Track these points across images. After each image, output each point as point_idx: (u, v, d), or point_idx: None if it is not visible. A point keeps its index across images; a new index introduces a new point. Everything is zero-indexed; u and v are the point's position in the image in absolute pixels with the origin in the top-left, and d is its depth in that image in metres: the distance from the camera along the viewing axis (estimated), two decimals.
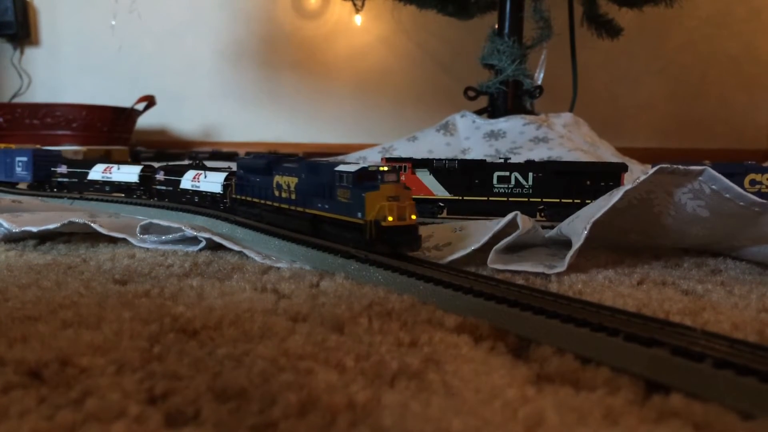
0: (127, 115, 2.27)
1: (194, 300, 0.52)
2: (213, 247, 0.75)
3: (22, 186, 1.34)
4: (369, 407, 0.32)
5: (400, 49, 2.60)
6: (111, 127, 2.21)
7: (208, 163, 1.19)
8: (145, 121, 2.39)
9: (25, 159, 1.29)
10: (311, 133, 2.62)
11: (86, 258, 0.70)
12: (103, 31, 2.56)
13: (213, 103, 2.63)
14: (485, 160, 1.01)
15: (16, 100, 2.57)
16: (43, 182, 1.26)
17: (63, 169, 1.21)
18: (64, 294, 0.52)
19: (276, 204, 0.78)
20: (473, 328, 0.45)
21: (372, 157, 1.68)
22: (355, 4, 2.06)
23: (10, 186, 1.35)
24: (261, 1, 2.60)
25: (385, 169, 0.61)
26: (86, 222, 0.78)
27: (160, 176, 1.08)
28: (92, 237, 0.81)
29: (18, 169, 1.31)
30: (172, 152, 2.30)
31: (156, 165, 1.15)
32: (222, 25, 2.60)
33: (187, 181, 1.01)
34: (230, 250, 0.72)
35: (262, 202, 0.82)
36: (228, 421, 0.30)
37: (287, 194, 0.76)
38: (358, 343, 0.41)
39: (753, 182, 0.95)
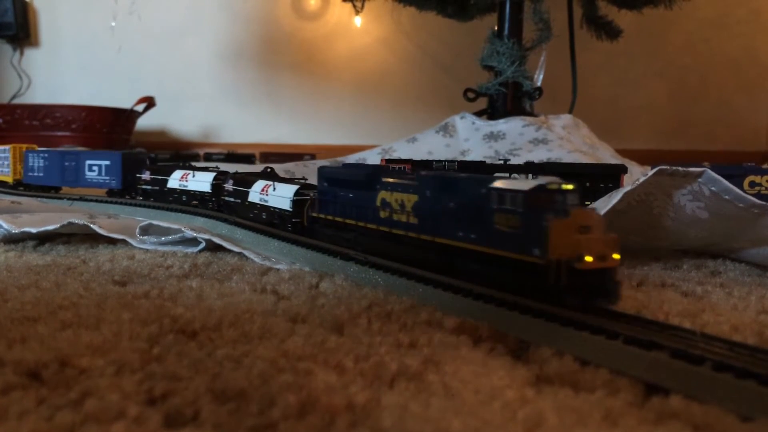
0: (127, 116, 2.28)
1: (194, 301, 0.52)
2: (212, 248, 0.75)
3: (99, 193, 1.16)
4: (368, 408, 0.32)
5: (400, 51, 2.60)
6: (111, 129, 2.21)
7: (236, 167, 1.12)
8: (144, 122, 2.40)
9: (108, 163, 1.12)
10: (311, 134, 2.62)
11: (86, 259, 0.70)
12: (103, 33, 2.56)
13: (212, 104, 2.63)
14: (485, 161, 1.01)
15: (16, 101, 2.57)
16: (128, 190, 1.12)
17: (147, 175, 1.05)
18: (63, 295, 0.52)
19: (383, 228, 0.61)
20: (473, 329, 0.45)
21: (372, 159, 1.68)
22: (354, 6, 2.06)
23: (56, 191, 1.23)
24: (261, 3, 2.60)
25: (570, 187, 0.45)
26: (86, 223, 0.78)
27: (229, 186, 0.93)
28: (91, 238, 0.81)
29: (91, 174, 1.14)
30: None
31: (220, 169, 1.02)
32: (222, 27, 2.60)
33: (255, 194, 0.85)
34: (230, 251, 0.72)
35: (360, 224, 0.64)
36: (227, 422, 0.30)
37: (401, 216, 0.58)
38: (357, 344, 0.41)
39: (752, 184, 0.95)
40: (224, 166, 1.12)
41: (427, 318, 0.47)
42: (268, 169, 1.00)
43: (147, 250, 0.75)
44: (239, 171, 0.97)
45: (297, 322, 0.47)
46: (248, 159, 2.17)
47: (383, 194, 0.61)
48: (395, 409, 0.32)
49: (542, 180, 0.46)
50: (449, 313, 0.48)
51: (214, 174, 0.94)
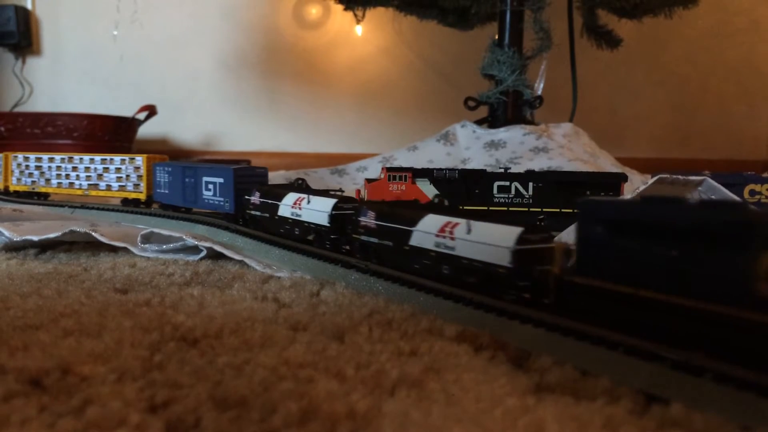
0: (129, 124, 2.28)
1: (195, 309, 0.52)
2: (213, 256, 0.75)
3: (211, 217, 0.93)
4: (369, 416, 0.32)
5: (401, 59, 2.61)
6: (112, 137, 2.21)
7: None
8: (146, 131, 2.40)
9: (221, 180, 0.89)
10: (312, 142, 2.62)
11: (87, 267, 0.70)
12: (105, 41, 2.57)
13: (214, 113, 2.63)
14: (485, 169, 1.01)
15: (18, 109, 2.57)
16: (240, 214, 0.88)
17: (256, 197, 0.82)
18: (65, 303, 0.52)
19: None
20: (473, 337, 0.45)
21: (372, 167, 1.68)
22: (355, 15, 2.06)
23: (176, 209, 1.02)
24: (263, 12, 2.61)
25: None
26: (87, 231, 0.78)
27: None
28: (93, 246, 0.81)
29: (207, 194, 0.92)
30: None
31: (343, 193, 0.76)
32: (223, 36, 2.61)
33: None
34: (231, 259, 0.73)
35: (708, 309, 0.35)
36: (228, 430, 0.30)
37: None
38: (358, 352, 0.42)
39: (752, 192, 0.95)
40: None
41: (428, 326, 0.47)
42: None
43: (148, 258, 0.75)
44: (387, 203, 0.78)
45: (298, 329, 0.47)
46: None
47: None
48: (396, 417, 0.32)
49: None
50: (450, 322, 0.48)
51: (333, 201, 0.69)
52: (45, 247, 0.81)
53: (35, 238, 0.78)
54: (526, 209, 0.95)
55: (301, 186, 0.88)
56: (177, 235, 0.76)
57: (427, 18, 2.01)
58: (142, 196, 1.07)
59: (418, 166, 1.23)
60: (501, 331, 0.45)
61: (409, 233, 0.57)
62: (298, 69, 2.64)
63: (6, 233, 0.78)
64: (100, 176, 1.12)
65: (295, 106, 2.64)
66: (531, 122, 1.69)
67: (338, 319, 0.49)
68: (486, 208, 0.97)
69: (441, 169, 1.00)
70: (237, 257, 0.71)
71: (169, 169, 1.00)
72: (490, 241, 0.49)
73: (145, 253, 0.76)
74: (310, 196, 0.71)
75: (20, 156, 1.24)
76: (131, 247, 0.77)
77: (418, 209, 0.59)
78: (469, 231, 0.51)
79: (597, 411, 0.33)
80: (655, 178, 0.63)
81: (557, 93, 1.87)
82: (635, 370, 0.36)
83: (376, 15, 2.27)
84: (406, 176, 1.00)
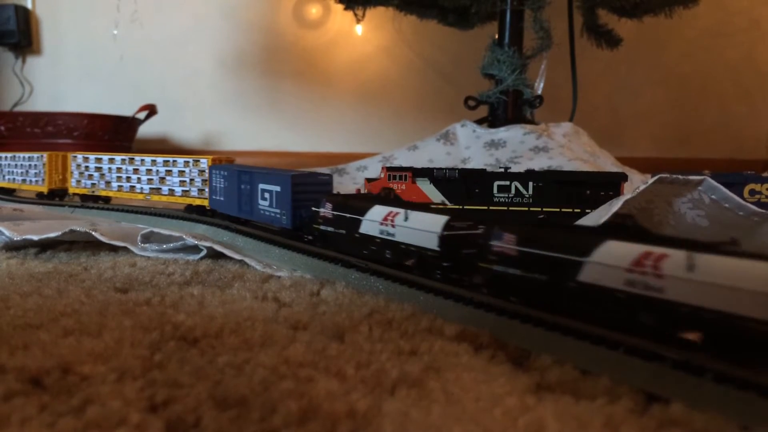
0: (129, 124, 2.28)
1: (195, 308, 0.52)
2: (214, 255, 0.75)
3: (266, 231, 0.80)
4: (369, 415, 0.32)
5: (401, 59, 2.61)
6: (112, 136, 2.21)
7: None
8: (146, 130, 2.40)
9: (278, 189, 0.76)
10: (312, 141, 2.62)
11: (87, 266, 0.70)
12: (105, 40, 2.57)
13: (214, 112, 2.63)
14: (485, 169, 1.01)
15: (18, 109, 2.57)
16: (302, 229, 0.75)
17: (327, 209, 0.68)
18: (65, 302, 0.52)
19: None
20: (473, 337, 0.45)
21: (372, 166, 1.68)
22: (355, 14, 2.06)
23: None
24: (263, 11, 2.61)
25: None
26: (87, 231, 0.78)
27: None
28: (93, 245, 0.81)
29: (263, 204, 0.79)
30: None
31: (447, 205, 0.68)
32: (223, 35, 2.60)
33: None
34: (231, 258, 0.73)
35: None
36: (229, 429, 0.30)
37: None
38: (358, 351, 0.42)
39: (752, 192, 0.95)
40: None
41: (428, 325, 0.47)
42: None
43: (148, 257, 0.75)
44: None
45: (298, 329, 0.47)
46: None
47: None
48: (396, 416, 0.32)
49: None
50: (450, 321, 0.48)
51: (444, 219, 0.54)
52: (45, 246, 0.81)
53: (35, 238, 0.78)
54: (526, 208, 0.95)
55: (388, 197, 0.75)
56: (177, 234, 0.76)
57: (427, 17, 2.01)
58: (207, 203, 0.94)
59: (418, 165, 1.23)
60: (501, 330, 0.45)
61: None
62: (298, 68, 2.64)
63: (6, 233, 0.78)
64: (162, 180, 0.99)
65: (295, 105, 2.64)
66: (531, 122, 1.69)
67: (338, 318, 0.49)
68: (486, 207, 0.97)
69: (441, 169, 1.00)
70: (237, 257, 0.71)
71: (225, 172, 0.88)
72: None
73: (145, 253, 0.76)
74: (408, 211, 0.58)
75: (80, 156, 1.13)
76: (131, 246, 0.77)
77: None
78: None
79: (597, 410, 0.33)
80: (655, 178, 0.63)
81: (557, 92, 1.87)
82: (635, 370, 0.36)
83: (376, 14, 2.27)
84: (406, 176, 1.00)
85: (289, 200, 0.74)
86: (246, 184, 0.83)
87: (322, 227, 0.69)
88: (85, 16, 2.62)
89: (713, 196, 0.63)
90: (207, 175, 0.93)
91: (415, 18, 2.05)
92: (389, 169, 1.03)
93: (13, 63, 2.63)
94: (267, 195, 0.78)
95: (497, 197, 0.97)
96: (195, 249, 0.75)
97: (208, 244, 0.74)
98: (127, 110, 2.27)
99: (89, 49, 2.63)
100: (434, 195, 0.99)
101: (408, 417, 0.32)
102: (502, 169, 1.00)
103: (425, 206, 0.61)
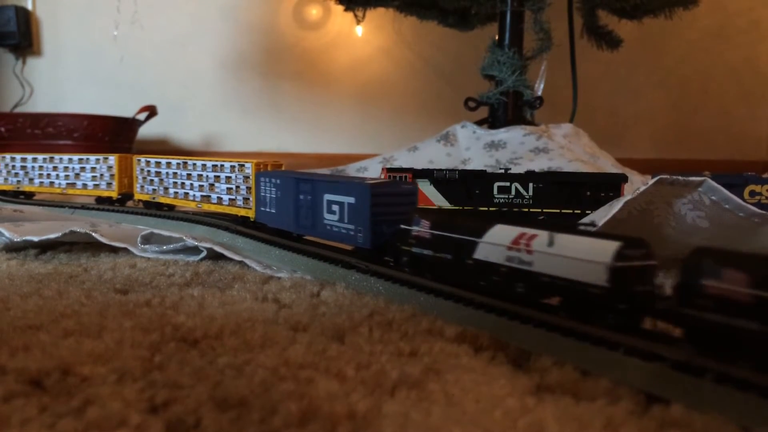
0: (129, 125, 2.28)
1: (195, 309, 0.52)
2: (214, 256, 0.75)
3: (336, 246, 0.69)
4: (369, 416, 0.32)
5: (401, 60, 2.61)
6: (112, 137, 2.21)
7: None
8: (146, 131, 2.40)
9: (351, 200, 0.63)
10: (312, 142, 2.62)
11: (87, 267, 0.70)
12: (105, 42, 2.57)
13: (214, 113, 2.63)
14: (486, 170, 1.01)
15: (18, 110, 2.58)
16: (385, 251, 0.60)
17: (422, 228, 0.55)
18: (65, 303, 0.52)
19: None
20: (473, 338, 0.45)
21: (373, 168, 1.68)
22: (356, 15, 2.06)
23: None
24: (263, 13, 2.61)
25: None
26: (88, 232, 0.78)
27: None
28: (93, 246, 0.81)
29: (330, 217, 0.66)
30: None
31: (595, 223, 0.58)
32: (224, 36, 2.61)
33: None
34: (231, 259, 0.73)
35: None
36: (229, 431, 0.30)
37: None
38: (358, 352, 0.42)
39: (752, 193, 0.95)
40: None
41: (428, 327, 0.47)
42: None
43: (148, 258, 0.75)
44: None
45: (298, 330, 0.47)
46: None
47: None
48: (396, 418, 0.32)
49: None
50: (450, 322, 0.48)
51: (615, 245, 0.40)
52: (45, 247, 0.81)
53: (35, 239, 0.78)
54: (526, 209, 0.95)
55: (516, 214, 0.59)
56: (177, 235, 0.76)
57: (427, 19, 2.01)
58: (252, 214, 0.82)
59: (418, 166, 1.23)
60: (501, 331, 0.45)
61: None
62: (299, 70, 2.64)
63: (6, 234, 0.78)
64: (212, 186, 0.89)
65: (296, 106, 2.64)
66: (531, 123, 1.69)
67: (338, 319, 0.49)
68: (486, 208, 0.97)
69: (441, 170, 1.00)
70: (237, 258, 0.71)
71: (277, 180, 0.76)
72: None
73: (146, 254, 0.76)
74: (554, 234, 0.44)
75: (143, 159, 1.04)
76: (131, 247, 0.77)
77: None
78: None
79: (597, 411, 0.33)
80: (655, 179, 0.63)
81: (557, 93, 1.87)
82: (635, 371, 0.36)
83: (377, 16, 2.27)
84: (406, 177, 1.00)
85: (367, 215, 0.60)
86: (306, 195, 0.70)
87: (415, 249, 0.56)
88: (85, 17, 2.62)
89: (713, 198, 0.63)
90: (252, 180, 0.82)
91: (415, 19, 2.05)
92: (389, 170, 1.03)
93: (13, 64, 2.64)
94: (336, 208, 0.65)
95: (497, 198, 0.97)
96: (195, 250, 0.75)
97: (208, 245, 0.74)
98: (127, 111, 2.27)
99: (89, 51, 2.63)
100: (434, 196, 0.99)
101: (408, 418, 0.32)
102: (503, 170, 1.00)
103: (571, 227, 0.47)
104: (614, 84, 2.56)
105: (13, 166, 1.25)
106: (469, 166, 1.53)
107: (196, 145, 2.64)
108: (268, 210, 0.78)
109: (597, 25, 1.85)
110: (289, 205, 0.73)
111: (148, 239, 0.78)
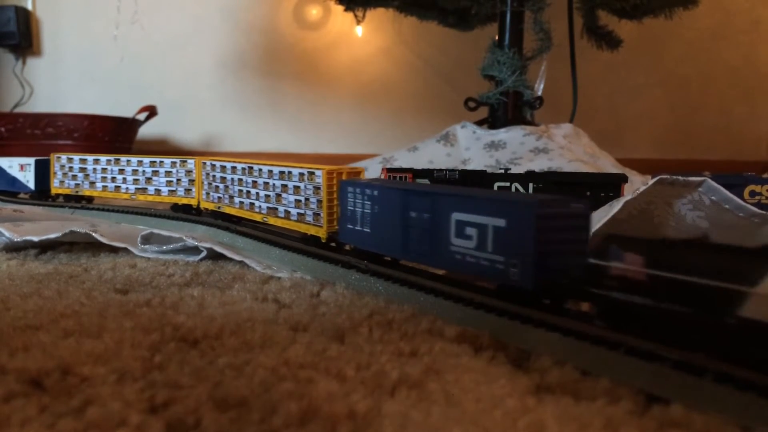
0: (129, 125, 2.28)
1: (195, 309, 0.52)
2: (214, 256, 0.75)
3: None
4: (369, 417, 0.32)
5: (401, 60, 2.61)
6: (112, 137, 2.21)
7: None
8: (146, 131, 2.40)
9: (500, 224, 0.47)
10: (312, 142, 2.62)
11: (87, 267, 0.70)
12: (105, 42, 2.57)
13: (214, 113, 2.63)
14: (486, 170, 1.01)
15: (18, 110, 2.58)
16: (547, 292, 0.46)
17: (631, 263, 0.42)
18: (65, 303, 0.52)
19: None
20: (473, 338, 0.45)
21: (372, 168, 1.68)
22: (356, 16, 2.07)
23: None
24: (263, 13, 2.61)
25: None
26: (88, 232, 0.78)
27: None
28: (93, 246, 0.81)
29: (461, 243, 0.50)
30: None
31: None
32: (224, 36, 2.61)
33: None
34: (231, 259, 0.73)
35: None
36: (229, 431, 0.30)
37: None
38: (358, 352, 0.42)
39: (753, 193, 0.95)
40: None
41: (428, 327, 0.47)
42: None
43: (148, 258, 0.75)
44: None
45: (298, 330, 0.47)
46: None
47: None
48: (396, 418, 0.32)
49: None
50: (450, 322, 0.48)
51: None
52: (45, 247, 0.81)
53: (35, 239, 0.78)
54: None
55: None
56: (177, 235, 0.76)
57: (427, 19, 2.01)
58: (322, 234, 0.69)
59: (418, 166, 1.23)
60: (501, 331, 0.45)
61: None
62: (299, 70, 2.64)
63: (6, 234, 0.78)
64: (278, 197, 0.77)
65: (296, 106, 2.64)
66: (531, 123, 1.69)
67: (338, 319, 0.49)
68: None
69: (441, 170, 1.00)
70: (237, 258, 0.71)
71: (374, 191, 0.60)
72: None
73: (146, 254, 0.76)
74: None
75: (208, 164, 0.91)
76: (131, 247, 0.77)
77: None
78: None
79: (597, 411, 0.33)
80: (655, 179, 0.63)
81: (557, 94, 1.87)
82: (635, 371, 0.36)
83: (377, 16, 2.27)
84: (406, 177, 1.00)
85: (529, 243, 0.44)
86: (422, 212, 0.54)
87: (617, 295, 0.41)
88: (85, 17, 2.62)
89: (713, 198, 0.63)
90: (322, 194, 0.69)
91: (415, 19, 2.05)
92: (389, 170, 1.02)
93: (13, 64, 2.64)
94: (472, 231, 0.49)
95: None
96: (195, 250, 0.75)
97: (208, 245, 0.74)
98: (127, 111, 2.27)
99: (89, 51, 2.63)
100: None
101: (408, 418, 0.32)
102: (502, 171, 1.00)
103: None
104: (614, 84, 2.56)
105: (71, 168, 1.12)
106: (469, 166, 1.53)
107: (196, 145, 2.64)
108: (359, 228, 0.63)
109: (597, 25, 1.85)
110: (394, 224, 0.58)
111: (148, 239, 0.78)
